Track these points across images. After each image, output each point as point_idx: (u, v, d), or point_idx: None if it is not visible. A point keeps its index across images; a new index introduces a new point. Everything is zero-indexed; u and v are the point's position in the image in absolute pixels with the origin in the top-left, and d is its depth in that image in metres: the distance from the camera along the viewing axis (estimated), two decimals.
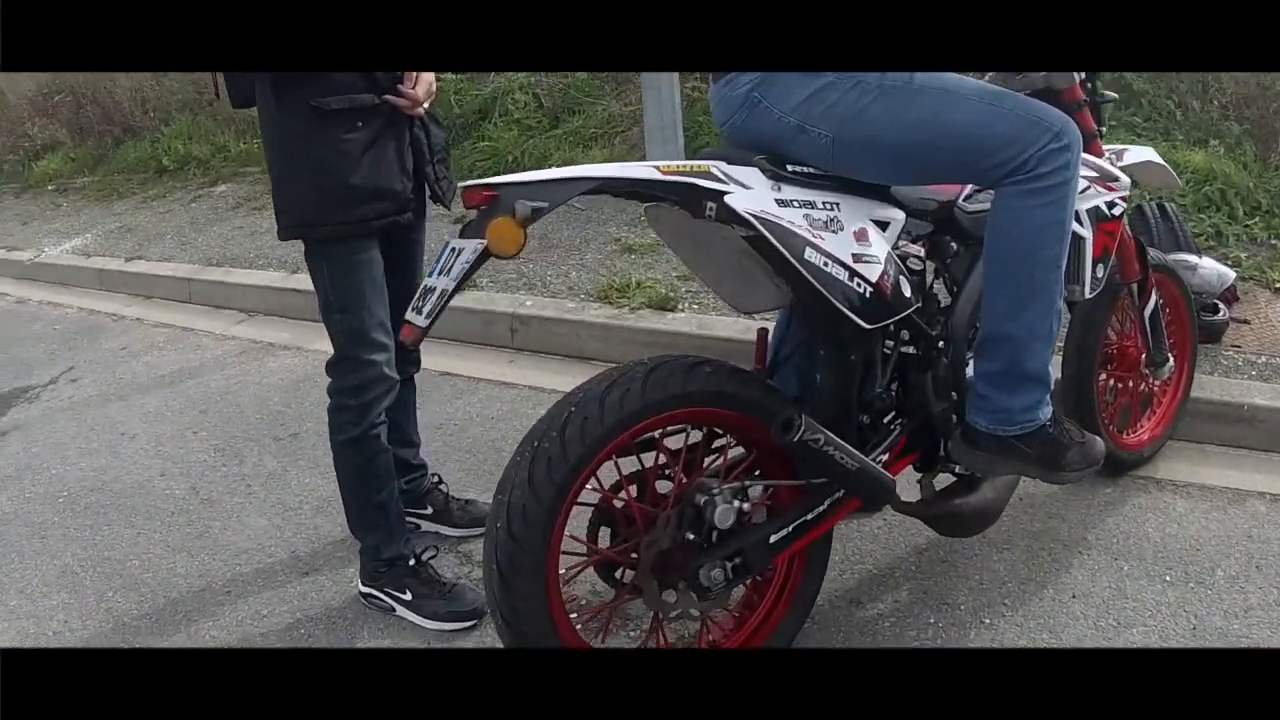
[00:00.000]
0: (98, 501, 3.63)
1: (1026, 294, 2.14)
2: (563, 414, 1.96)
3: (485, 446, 3.72)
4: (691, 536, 2.07)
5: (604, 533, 2.20)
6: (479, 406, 4.14)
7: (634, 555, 2.12)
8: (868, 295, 2.07)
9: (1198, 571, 2.76)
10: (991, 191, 2.20)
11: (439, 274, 1.85)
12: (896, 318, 2.17)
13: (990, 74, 2.68)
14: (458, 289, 1.84)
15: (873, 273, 2.08)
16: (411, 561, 2.79)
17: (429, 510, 3.12)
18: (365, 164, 2.47)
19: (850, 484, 2.16)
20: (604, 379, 2.00)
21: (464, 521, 3.11)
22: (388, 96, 2.49)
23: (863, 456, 2.14)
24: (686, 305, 4.49)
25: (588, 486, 2.04)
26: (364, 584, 2.82)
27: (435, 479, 3.17)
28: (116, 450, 4.09)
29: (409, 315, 1.89)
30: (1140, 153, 3.04)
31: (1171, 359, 3.21)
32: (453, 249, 1.84)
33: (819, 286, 2.01)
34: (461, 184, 1.87)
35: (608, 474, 2.12)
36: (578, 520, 2.10)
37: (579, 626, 2.16)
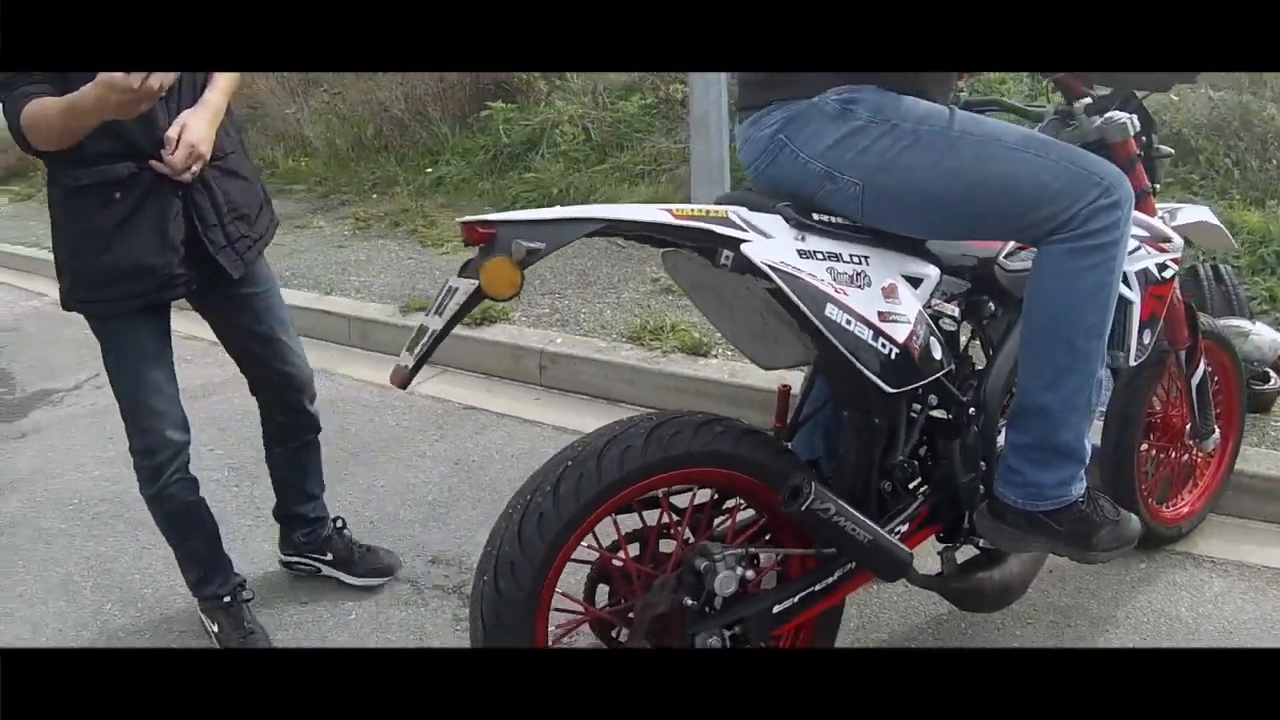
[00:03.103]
0: (106, 512, 3.56)
1: (1065, 363, 1.98)
2: (559, 468, 1.83)
3: (503, 485, 3.59)
4: (690, 602, 1.92)
5: (602, 590, 2.06)
6: (500, 443, 4.03)
7: (629, 616, 1.98)
8: (893, 357, 1.92)
9: None
10: (1034, 249, 2.05)
11: (433, 313, 1.73)
12: (924, 382, 2.01)
13: (1042, 124, 2.55)
14: (447, 330, 1.71)
15: (900, 333, 1.93)
16: (226, 599, 2.78)
17: (329, 556, 3.05)
18: (117, 242, 2.33)
19: (862, 556, 2.00)
20: (605, 433, 1.87)
21: (362, 571, 3.04)
22: (151, 163, 2.30)
23: (877, 528, 1.98)
24: (720, 351, 4.34)
25: (584, 544, 1.91)
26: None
27: (339, 523, 3.11)
28: (131, 461, 4.03)
29: (401, 355, 1.76)
30: (1194, 212, 2.87)
31: (1217, 430, 3.04)
32: (449, 288, 1.73)
33: (839, 346, 1.86)
34: (460, 219, 1.74)
35: (609, 530, 1.99)
36: (576, 576, 1.99)
37: None
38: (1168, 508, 3.15)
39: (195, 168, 2.34)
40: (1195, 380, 2.90)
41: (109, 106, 2.03)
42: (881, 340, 1.90)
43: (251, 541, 3.31)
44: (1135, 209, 2.32)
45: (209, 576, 2.77)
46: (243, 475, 3.80)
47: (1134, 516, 2.25)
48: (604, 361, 4.44)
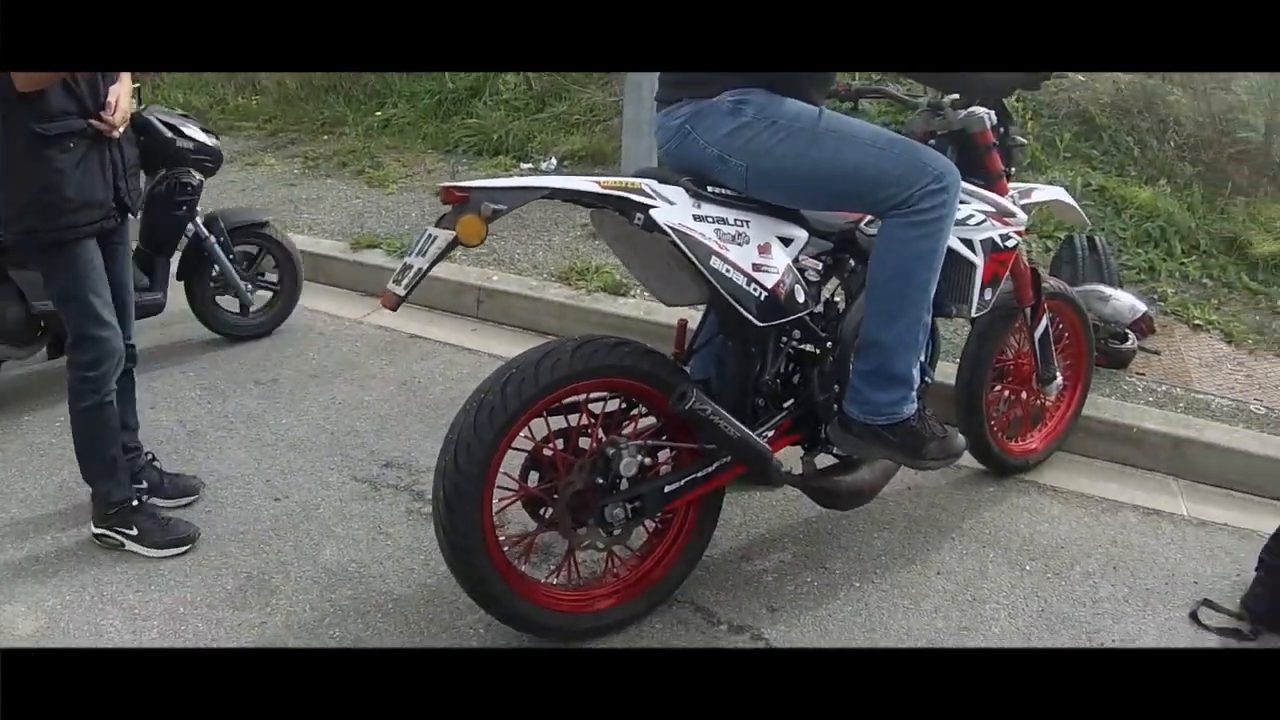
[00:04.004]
0: None
1: (898, 309, 2.71)
2: (505, 374, 2.54)
3: (445, 404, 4.27)
4: (600, 481, 2.66)
5: (533, 477, 2.77)
6: (442, 368, 4.71)
7: (555, 495, 2.70)
8: (762, 299, 2.65)
9: (1057, 565, 3.33)
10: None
11: (416, 254, 2.42)
12: (787, 319, 2.74)
13: (916, 113, 3.22)
14: (430, 268, 2.40)
15: (769, 280, 2.65)
16: (135, 502, 3.33)
17: (144, 485, 3.48)
18: (76, 179, 2.98)
19: (732, 449, 2.74)
20: (542, 348, 2.58)
21: (173, 493, 3.54)
22: (91, 120, 2.99)
23: (744, 428, 2.71)
24: (637, 292, 5.11)
25: (522, 435, 2.62)
26: (96, 526, 3.33)
27: (149, 456, 3.58)
28: None
29: (389, 285, 2.45)
30: (1049, 191, 3.60)
31: (1060, 378, 3.77)
32: (430, 235, 2.41)
33: (720, 288, 2.60)
34: (441, 184, 2.43)
35: (541, 430, 2.71)
36: (514, 463, 2.69)
37: (506, 549, 2.72)
38: (1018, 442, 3.89)
39: (121, 128, 3.10)
40: (1038, 333, 3.63)
41: None
42: (753, 285, 2.63)
43: (227, 449, 3.93)
44: (989, 189, 3.09)
45: (121, 481, 3.30)
46: (213, 394, 4.40)
47: (959, 435, 2.99)
48: (535, 298, 5.20)
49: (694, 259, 2.55)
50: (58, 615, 2.96)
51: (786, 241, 2.74)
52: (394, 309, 2.46)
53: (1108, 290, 4.71)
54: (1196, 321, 5.07)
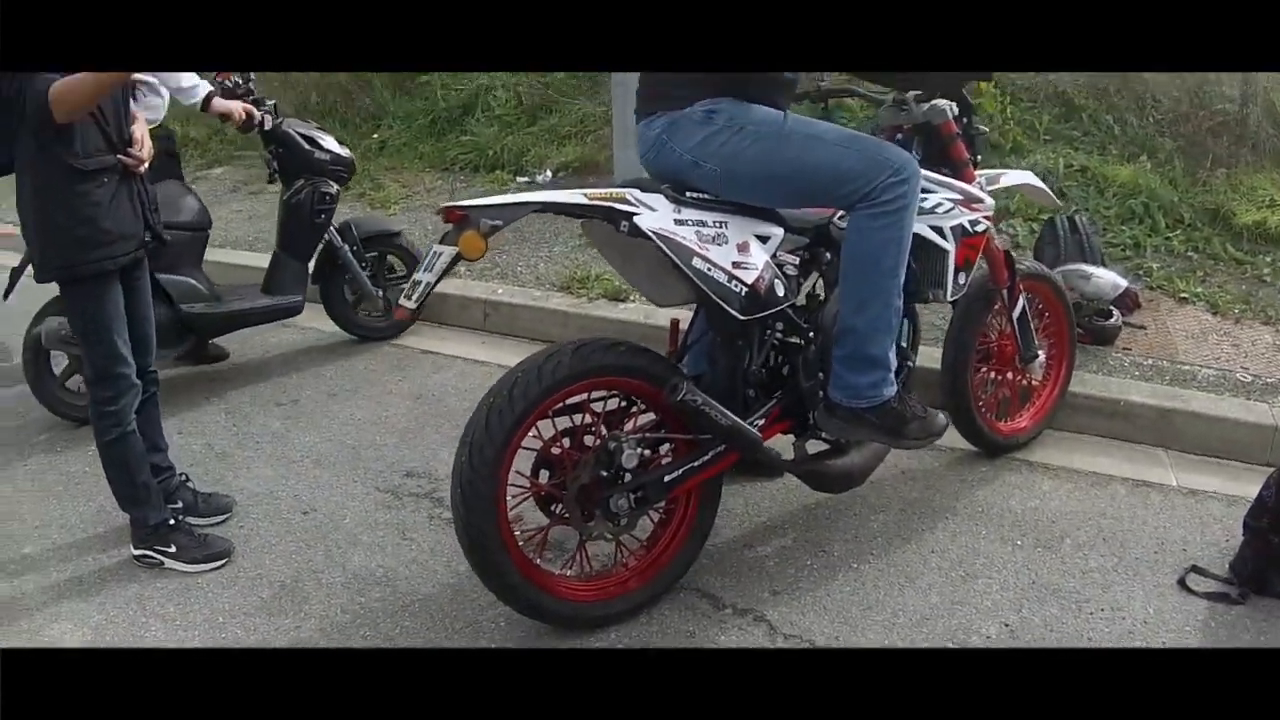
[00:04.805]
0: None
1: (869, 295, 2.93)
2: (512, 378, 2.77)
3: (460, 414, 4.42)
4: (605, 473, 2.89)
5: (544, 475, 3.01)
6: (454, 380, 4.95)
7: (563, 492, 2.94)
8: (743, 294, 2.88)
9: (1048, 539, 3.52)
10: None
11: (424, 270, 2.66)
12: (769, 312, 2.96)
13: (882, 109, 3.43)
14: (438, 281, 2.65)
15: (749, 276, 2.88)
16: (171, 521, 3.52)
17: (179, 504, 3.67)
18: (111, 212, 3.19)
19: (724, 436, 2.97)
20: (544, 352, 2.82)
21: (208, 511, 3.74)
22: (120, 156, 3.20)
23: (734, 416, 2.94)
24: (637, 298, 5.34)
25: (531, 436, 2.85)
26: (136, 548, 3.51)
27: (183, 477, 3.78)
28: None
29: (401, 301, 2.71)
30: (1018, 176, 3.82)
31: (1042, 356, 3.96)
32: (435, 252, 2.65)
33: (704, 287, 2.83)
34: (443, 205, 2.68)
35: (549, 431, 2.94)
36: (526, 461, 2.93)
37: (521, 543, 2.95)
38: (1006, 422, 4.09)
39: (147, 163, 3.33)
40: (1016, 313, 3.84)
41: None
42: (734, 282, 2.86)
43: (254, 467, 4.15)
44: (955, 177, 3.31)
45: (156, 504, 3.48)
46: (236, 416, 4.63)
47: (940, 414, 3.21)
48: (539, 308, 5.46)
49: (677, 261, 2.78)
50: (103, 630, 3.13)
51: (764, 239, 2.97)
52: (409, 322, 2.71)
53: (1089, 269, 4.92)
54: (1182, 294, 5.26)
